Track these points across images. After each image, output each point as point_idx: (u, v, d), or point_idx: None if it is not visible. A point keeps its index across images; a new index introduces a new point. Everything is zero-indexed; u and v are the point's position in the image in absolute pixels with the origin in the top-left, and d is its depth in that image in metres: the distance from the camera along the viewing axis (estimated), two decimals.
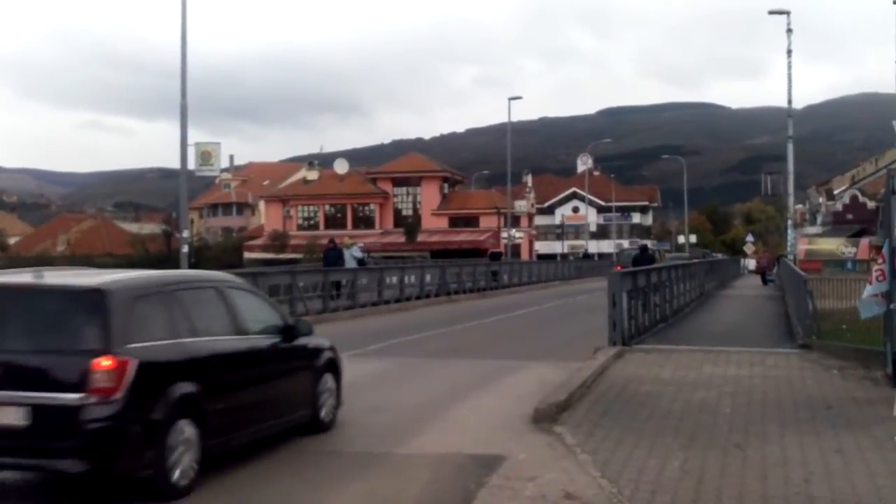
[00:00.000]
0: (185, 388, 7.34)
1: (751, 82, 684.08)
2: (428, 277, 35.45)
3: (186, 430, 7.26)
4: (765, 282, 48.66)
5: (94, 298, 7.11)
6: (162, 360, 7.30)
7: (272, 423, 8.81)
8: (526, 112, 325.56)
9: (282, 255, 70.84)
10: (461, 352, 17.85)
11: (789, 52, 39.79)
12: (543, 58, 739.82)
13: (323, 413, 9.76)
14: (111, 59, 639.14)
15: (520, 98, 64.92)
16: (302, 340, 9.68)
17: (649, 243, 45.05)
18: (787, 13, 39.43)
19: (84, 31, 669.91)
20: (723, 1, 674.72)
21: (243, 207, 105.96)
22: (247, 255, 76.97)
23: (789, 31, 39.49)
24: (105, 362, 6.71)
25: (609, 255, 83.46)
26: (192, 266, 31.14)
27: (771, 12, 39.35)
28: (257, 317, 9.05)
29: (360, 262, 30.25)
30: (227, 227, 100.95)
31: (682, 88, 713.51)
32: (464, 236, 78.98)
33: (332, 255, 29.48)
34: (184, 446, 7.20)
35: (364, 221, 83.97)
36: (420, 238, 79.04)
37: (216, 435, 7.65)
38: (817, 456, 8.12)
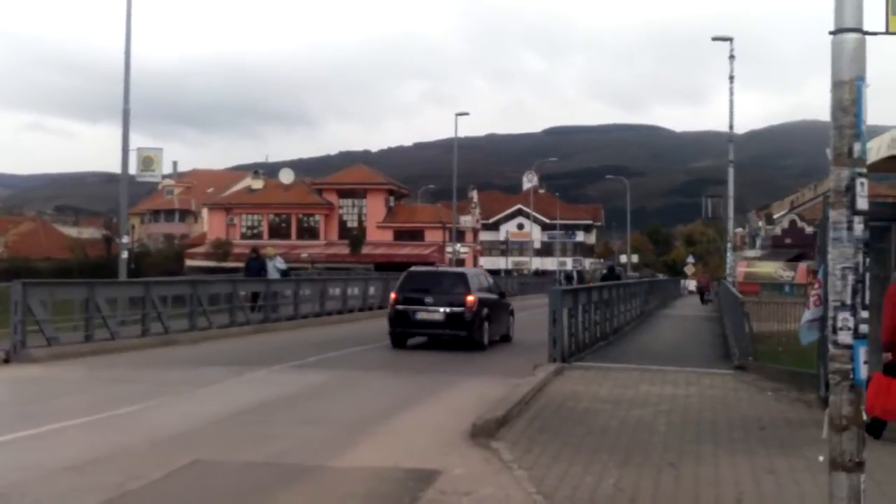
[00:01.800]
0: (486, 309, 20.92)
1: (695, 107, 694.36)
2: (372, 290, 35.37)
3: (485, 324, 20.75)
4: (703, 301, 49.32)
5: (462, 275, 21.81)
6: (481, 298, 20.83)
7: (498, 330, 22.04)
8: (473, 128, 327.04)
9: (224, 264, 70.13)
10: (401, 365, 17.81)
11: (731, 77, 40.40)
12: (492, 77, 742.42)
13: (511, 333, 23.09)
14: (54, 62, 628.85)
15: (467, 114, 65.03)
16: (506, 299, 23.87)
17: (614, 263, 55.25)
18: (730, 39, 40.06)
19: (27, 33, 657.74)
20: (669, 26, 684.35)
21: (186, 214, 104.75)
22: (188, 262, 76.11)
23: (731, 57, 40.10)
24: (470, 297, 20.38)
25: (553, 273, 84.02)
26: (131, 273, 30.73)
27: (714, 38, 39.93)
28: (492, 286, 22.92)
29: (284, 273, 29.27)
30: (169, 233, 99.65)
31: (628, 111, 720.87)
32: (409, 250, 78.87)
33: (255, 266, 28.35)
34: (486, 331, 20.72)
35: (309, 232, 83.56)
36: (365, 250, 78.84)
37: (490, 329, 21.04)
38: (750, 476, 8.20)
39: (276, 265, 28.76)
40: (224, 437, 10.02)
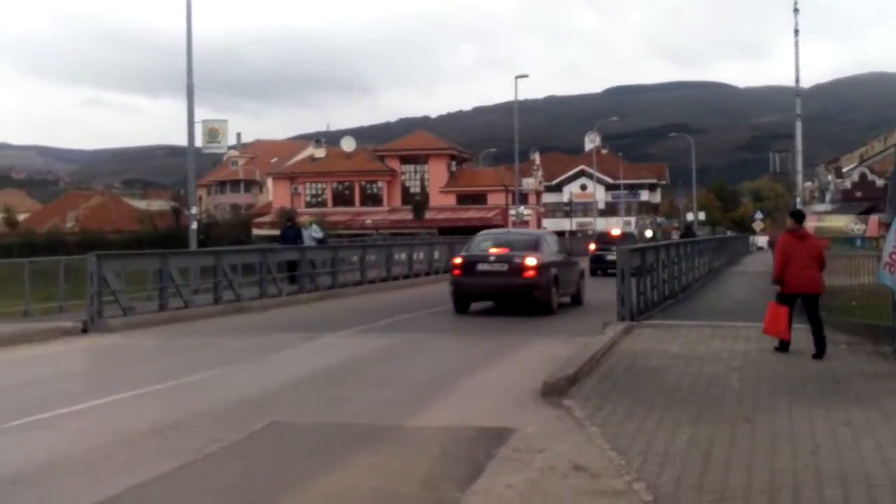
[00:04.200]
0: (554, 270, 20.15)
1: (757, 62, 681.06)
2: (437, 254, 35.50)
3: (553, 287, 19.87)
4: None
5: (534, 237, 22.40)
6: (549, 260, 20.20)
7: (568, 291, 21.65)
8: (532, 91, 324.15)
9: None
10: (470, 328, 17.90)
11: (796, 31, 39.42)
12: (546, 37, 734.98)
13: (581, 295, 22.49)
14: (113, 37, 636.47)
15: (526, 76, 65.43)
16: (575, 261, 23.34)
17: (691, 220, 63.22)
18: None
19: (85, 9, 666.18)
20: None
21: (251, 184, 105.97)
22: (255, 231, 76.95)
23: (796, 10, 39.16)
24: (536, 260, 19.68)
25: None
26: (200, 243, 31.21)
27: None
28: (560, 249, 22.55)
29: (320, 241, 28.48)
30: (236, 203, 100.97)
31: (688, 67, 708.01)
32: (472, 213, 78.83)
33: (290, 234, 27.46)
34: (555, 294, 20.04)
35: (372, 199, 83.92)
36: (428, 215, 78.97)
37: (559, 291, 20.45)
38: (826, 429, 8.13)
39: (311, 233, 28.21)
40: (299, 400, 10.18)
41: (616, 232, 43.74)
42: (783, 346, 12.86)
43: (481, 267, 20.08)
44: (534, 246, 20.69)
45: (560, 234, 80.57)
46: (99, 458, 7.54)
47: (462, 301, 20.43)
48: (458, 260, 20.84)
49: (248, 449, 7.91)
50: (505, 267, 19.84)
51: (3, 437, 8.37)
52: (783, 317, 12.77)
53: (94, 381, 11.87)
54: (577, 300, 22.15)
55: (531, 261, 19.66)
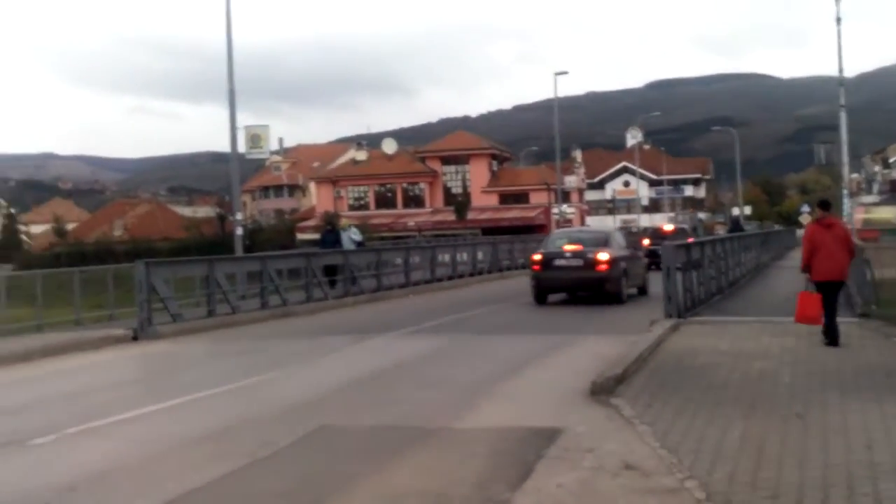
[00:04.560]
0: (623, 264, 21.92)
1: (799, 51, 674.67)
2: (480, 255, 35.53)
3: (623, 279, 21.76)
4: None
5: (605, 234, 24.33)
6: (617, 256, 21.97)
7: (636, 283, 23.07)
8: (572, 87, 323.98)
9: None
10: (516, 327, 17.90)
11: (838, 20, 38.89)
12: (586, 33, 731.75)
13: (647, 287, 23.37)
14: (153, 45, 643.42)
15: (566, 73, 64.54)
16: (640, 253, 24.30)
17: (737, 213, 63.75)
18: None
19: (125, 17, 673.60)
20: None
21: (294, 189, 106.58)
22: (299, 235, 77.43)
23: None
24: (609, 255, 21.64)
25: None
26: (246, 249, 31.49)
27: None
28: (628, 244, 24.01)
29: (359, 244, 28.48)
30: (279, 209, 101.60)
31: (729, 59, 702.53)
32: (514, 213, 78.72)
33: (330, 239, 27.72)
34: (624, 286, 21.84)
35: (414, 200, 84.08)
36: (470, 216, 78.97)
37: (628, 282, 22.22)
38: (878, 423, 8.04)
39: (350, 236, 28.17)
40: (348, 402, 10.26)
41: (669, 227, 44.10)
42: (831, 338, 12.86)
43: (558, 262, 22.17)
44: (605, 242, 22.75)
45: None
46: (153, 464, 7.66)
47: (541, 293, 22.34)
48: (537, 256, 22.78)
49: (299, 452, 7.98)
50: (580, 262, 21.86)
51: (59, 445, 8.51)
52: (815, 305, 13.01)
53: (146, 388, 12.04)
54: (643, 291, 23.53)
55: (603, 256, 21.65)
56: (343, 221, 29.90)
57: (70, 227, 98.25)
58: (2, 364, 13.97)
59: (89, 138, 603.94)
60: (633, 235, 49.71)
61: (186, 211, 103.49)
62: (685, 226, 61.12)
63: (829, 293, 13.17)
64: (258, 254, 28.68)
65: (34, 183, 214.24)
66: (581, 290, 22.41)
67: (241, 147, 29.67)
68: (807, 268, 13.33)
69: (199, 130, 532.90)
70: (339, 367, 13.27)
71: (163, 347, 16.07)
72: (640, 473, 6.83)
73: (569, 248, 22.32)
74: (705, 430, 7.96)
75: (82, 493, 6.85)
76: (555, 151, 63.19)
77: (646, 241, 38.68)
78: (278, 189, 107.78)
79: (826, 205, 14.14)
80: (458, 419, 9.06)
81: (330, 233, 28.31)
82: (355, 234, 28.65)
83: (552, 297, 22.60)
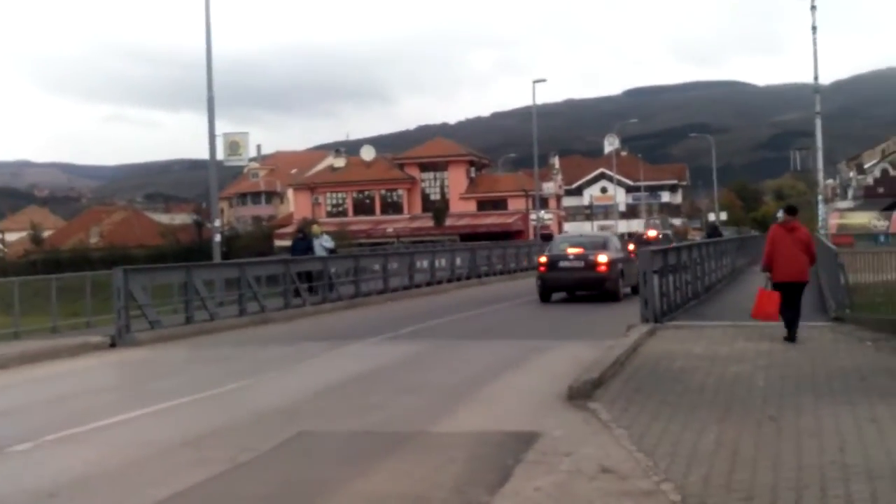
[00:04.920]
0: (620, 266, 24.04)
1: (775, 58, 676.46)
2: (458, 260, 35.61)
3: (620, 279, 23.77)
4: None
5: (603, 238, 26.89)
6: (615, 258, 24.11)
7: (630, 282, 23.48)
8: (550, 94, 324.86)
9: None
10: (493, 333, 17.99)
11: (814, 28, 39.29)
12: (564, 41, 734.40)
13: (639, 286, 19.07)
14: (130, 52, 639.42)
15: (544, 81, 64.67)
16: (633, 258, 23.87)
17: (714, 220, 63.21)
18: None
19: (103, 25, 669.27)
20: None
21: (272, 196, 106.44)
22: (277, 242, 77.27)
23: (813, 7, 39.05)
24: (608, 257, 23.87)
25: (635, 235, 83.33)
26: (223, 256, 31.41)
27: None
28: (622, 248, 25.98)
29: (331, 251, 28.08)
30: (257, 215, 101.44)
31: (707, 67, 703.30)
32: (492, 219, 78.93)
33: (301, 246, 27.27)
34: (621, 285, 23.86)
35: (392, 207, 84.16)
36: (448, 222, 79.12)
37: (624, 282, 24.19)
38: (852, 426, 8.16)
39: (322, 243, 27.82)
40: (326, 408, 10.29)
41: (653, 233, 45.61)
42: (790, 333, 13.73)
43: (562, 264, 24.58)
44: (603, 246, 25.03)
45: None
46: (133, 470, 7.68)
47: (546, 292, 24.67)
48: (543, 259, 25.21)
49: (279, 458, 8.02)
50: (581, 263, 24.16)
51: (39, 452, 8.52)
52: (773, 302, 13.90)
53: (125, 395, 12.06)
54: (636, 290, 24.38)
55: (602, 258, 23.92)
56: (314, 228, 29.54)
57: (46, 234, 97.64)
58: None
59: (65, 146, 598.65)
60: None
61: (163, 218, 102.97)
62: (669, 231, 61.64)
63: (791, 293, 13.93)
64: (236, 260, 28.58)
65: (9, 191, 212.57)
66: (583, 288, 24.50)
67: (220, 154, 29.62)
68: (767, 267, 14.23)
69: (176, 138, 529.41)
70: (317, 373, 13.31)
71: (141, 354, 16.04)
72: (616, 477, 6.90)
73: (571, 251, 24.68)
74: (681, 434, 8.06)
75: (63, 499, 6.87)
76: (533, 158, 63.42)
77: (630, 247, 39.24)
78: (256, 196, 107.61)
79: (792, 210, 14.84)
80: (436, 424, 9.11)
81: (301, 240, 27.98)
82: (327, 242, 28.37)
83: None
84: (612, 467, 7.13)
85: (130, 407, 10.45)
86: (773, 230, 14.60)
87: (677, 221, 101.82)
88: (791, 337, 13.68)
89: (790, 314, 13.85)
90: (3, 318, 19.86)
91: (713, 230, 46.81)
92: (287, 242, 74.53)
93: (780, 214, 15.93)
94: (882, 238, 44.23)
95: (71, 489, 7.12)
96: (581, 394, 9.95)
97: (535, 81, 61.76)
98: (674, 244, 26.45)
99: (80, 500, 6.87)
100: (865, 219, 48.74)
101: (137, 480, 7.32)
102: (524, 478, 6.99)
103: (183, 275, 19.93)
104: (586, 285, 24.34)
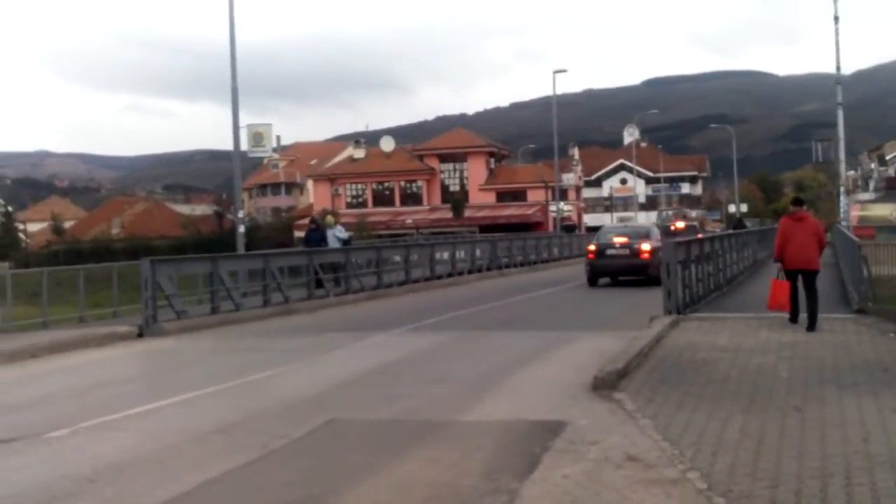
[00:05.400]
0: (661, 253, 19.24)
1: (796, 48, 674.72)
2: (478, 252, 35.69)
3: (661, 266, 17.78)
4: None
5: (646, 229, 30.43)
6: (657, 246, 25.13)
7: None
8: (569, 85, 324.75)
9: None
10: (516, 324, 18.08)
11: (836, 18, 39.18)
12: (583, 30, 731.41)
13: None
14: (148, 41, 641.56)
15: (565, 71, 64.59)
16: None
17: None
18: None
19: (119, 14, 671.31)
20: None
21: (292, 187, 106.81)
22: (297, 233, 77.59)
23: None
24: (650, 245, 26.50)
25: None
26: (245, 247, 31.64)
27: None
28: (661, 237, 27.54)
29: (345, 242, 27.96)
30: (277, 206, 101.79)
31: (727, 56, 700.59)
32: (512, 210, 78.98)
33: (315, 237, 27.35)
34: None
35: (412, 198, 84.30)
36: (468, 213, 79.18)
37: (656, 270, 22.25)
38: (875, 416, 8.23)
39: (336, 234, 27.81)
40: (354, 397, 10.44)
41: (680, 224, 46.55)
42: (810, 323, 14.21)
43: (609, 252, 27.32)
44: (646, 235, 28.14)
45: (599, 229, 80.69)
46: (168, 456, 7.84)
47: (594, 276, 27.46)
48: (592, 247, 28.15)
49: (309, 445, 8.17)
50: (626, 251, 26.77)
51: (75, 438, 8.70)
52: (785, 291, 14.60)
53: (155, 384, 12.23)
54: None
55: (646, 246, 26.51)
56: (328, 219, 29.55)
57: (67, 225, 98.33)
58: (10, 360, 14.15)
59: (84, 136, 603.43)
60: None
61: (184, 209, 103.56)
62: (695, 223, 61.58)
63: (805, 281, 14.60)
64: (261, 251, 28.76)
65: (30, 181, 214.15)
66: (628, 274, 26.86)
67: (244, 145, 29.80)
68: (779, 258, 14.92)
69: (195, 128, 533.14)
70: (343, 363, 13.46)
71: (168, 344, 16.24)
72: (643, 465, 7.01)
73: (618, 240, 27.54)
74: (706, 424, 8.15)
75: (102, 483, 7.03)
76: (552, 149, 63.40)
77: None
78: (276, 187, 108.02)
79: (798, 201, 15.76)
80: (463, 413, 9.24)
81: (314, 231, 27.97)
82: (340, 232, 28.43)
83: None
84: (639, 456, 7.23)
85: (161, 395, 10.62)
86: (783, 221, 15.19)
87: (693, 213, 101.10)
88: (811, 327, 14.04)
89: (809, 304, 14.33)
90: (31, 308, 20.14)
91: (738, 222, 47.75)
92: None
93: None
94: None
95: (109, 474, 7.28)
96: (606, 384, 10.05)
97: (556, 72, 61.72)
98: (700, 235, 27.24)
99: (118, 484, 7.02)
100: (887, 211, 48.45)
101: (173, 466, 7.47)
102: (552, 466, 7.10)
103: (209, 265, 20.13)
104: (631, 271, 26.74)
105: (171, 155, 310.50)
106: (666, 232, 39.77)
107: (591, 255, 27.81)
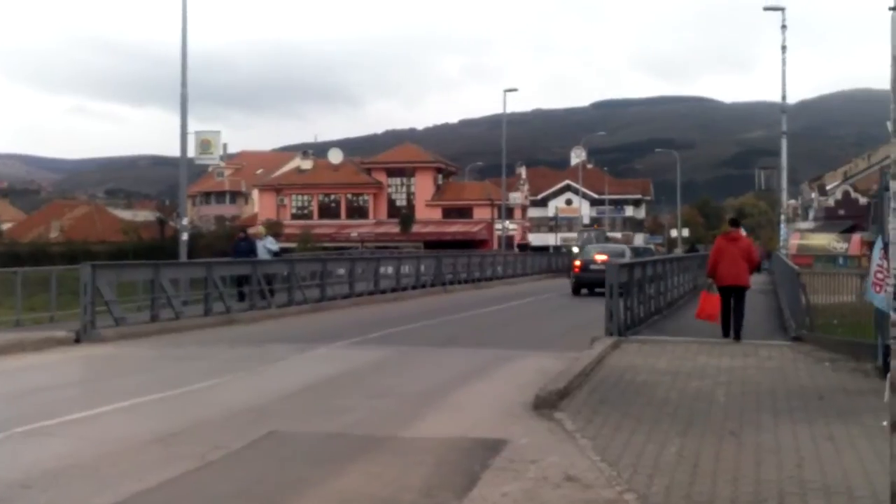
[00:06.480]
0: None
1: (743, 76, 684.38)
2: (423, 268, 35.74)
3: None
4: (758, 270, 49.65)
5: (622, 248, 38.14)
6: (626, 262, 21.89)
7: None
8: (519, 104, 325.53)
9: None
10: (460, 341, 18.11)
11: (783, 48, 39.97)
12: (534, 49, 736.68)
13: None
14: (95, 44, 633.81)
15: (516, 90, 65.47)
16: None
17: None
18: (783, 9, 39.63)
19: (69, 17, 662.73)
20: None
21: (237, 196, 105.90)
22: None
23: (784, 27, 39.70)
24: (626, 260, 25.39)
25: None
26: (187, 255, 31.28)
27: (766, 9, 39.50)
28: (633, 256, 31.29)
29: (275, 254, 27.69)
30: (221, 215, 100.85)
31: (675, 82, 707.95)
32: (457, 227, 79.18)
33: (244, 247, 26.60)
34: None
35: (358, 211, 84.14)
36: (414, 229, 79.23)
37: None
38: (809, 443, 8.38)
39: (266, 245, 27.52)
40: (296, 410, 10.40)
41: (601, 257, 47.00)
42: (734, 334, 15.80)
43: (591, 267, 31.74)
44: (622, 254, 33.14)
45: (544, 249, 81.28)
46: (105, 464, 7.74)
47: (578, 287, 32.87)
48: (577, 262, 33.93)
49: (249, 456, 8.12)
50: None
51: (10, 444, 8.55)
52: (713, 303, 15.96)
53: (93, 390, 12.06)
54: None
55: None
56: (258, 230, 29.30)
57: (5, 226, 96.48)
58: None
59: (27, 137, 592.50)
60: (564, 255, 54.67)
61: (125, 214, 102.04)
62: (651, 246, 62.22)
63: (735, 296, 15.86)
64: (204, 260, 28.48)
65: None
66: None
67: (191, 152, 29.54)
68: (711, 274, 16.17)
69: (140, 133, 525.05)
70: (285, 374, 13.40)
71: (107, 350, 16.02)
72: (581, 485, 7.07)
73: (599, 257, 32.24)
74: (644, 446, 8.24)
75: (36, 490, 6.93)
76: (500, 167, 63.69)
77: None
78: (220, 195, 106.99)
79: (735, 222, 17.49)
80: (404, 428, 9.25)
81: (244, 241, 27.44)
82: (271, 244, 28.18)
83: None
84: (577, 476, 7.29)
85: (99, 402, 10.49)
86: (718, 240, 16.38)
87: (619, 234, 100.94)
88: (737, 336, 15.64)
89: (735, 318, 15.83)
90: None
91: (691, 248, 51.86)
92: None
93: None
94: (841, 260, 44.86)
95: (44, 481, 7.17)
96: (547, 403, 10.12)
97: (507, 90, 62.05)
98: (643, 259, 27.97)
99: (53, 491, 6.92)
100: (825, 240, 49.38)
101: (110, 474, 7.38)
102: (491, 483, 7.13)
103: (150, 272, 19.91)
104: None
105: (115, 159, 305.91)
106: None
107: (576, 269, 33.29)
